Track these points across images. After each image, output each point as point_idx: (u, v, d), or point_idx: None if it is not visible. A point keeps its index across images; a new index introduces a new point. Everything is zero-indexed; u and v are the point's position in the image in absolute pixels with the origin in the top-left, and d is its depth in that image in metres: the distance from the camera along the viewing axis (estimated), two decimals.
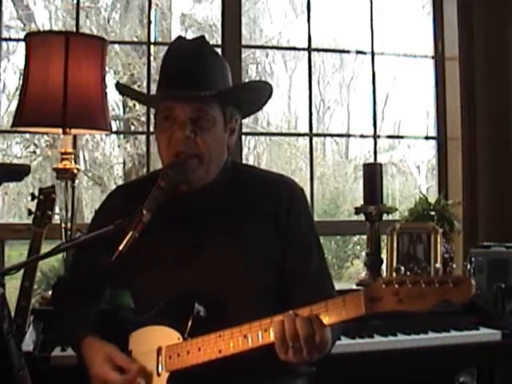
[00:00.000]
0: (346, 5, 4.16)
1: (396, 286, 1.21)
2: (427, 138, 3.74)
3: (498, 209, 3.33)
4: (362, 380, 2.27)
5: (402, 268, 1.22)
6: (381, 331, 2.33)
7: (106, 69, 2.56)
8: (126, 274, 1.65)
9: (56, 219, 2.47)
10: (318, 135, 4.89)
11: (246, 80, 4.00)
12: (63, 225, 2.49)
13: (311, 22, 3.39)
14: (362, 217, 2.87)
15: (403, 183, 5.57)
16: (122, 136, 5.30)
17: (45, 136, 4.56)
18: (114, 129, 4.45)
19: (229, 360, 1.40)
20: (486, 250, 2.84)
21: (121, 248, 1.46)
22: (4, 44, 3.47)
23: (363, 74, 3.89)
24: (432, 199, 3.07)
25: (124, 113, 5.04)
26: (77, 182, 2.63)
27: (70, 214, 2.49)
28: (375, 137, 3.54)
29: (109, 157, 5.39)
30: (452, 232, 2.99)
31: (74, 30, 3.18)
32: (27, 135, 4.75)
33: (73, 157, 2.53)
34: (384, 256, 2.84)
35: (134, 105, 4.87)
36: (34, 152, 5.00)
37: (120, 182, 5.11)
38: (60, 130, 2.47)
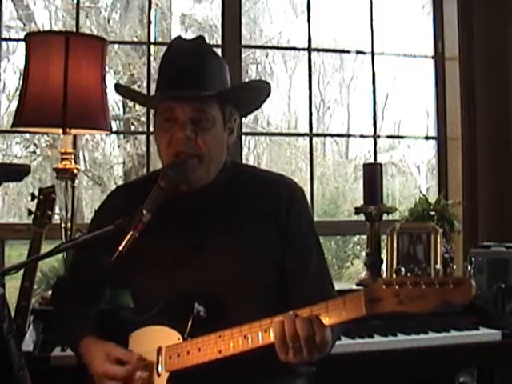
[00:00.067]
0: (346, 5, 4.16)
1: (396, 286, 1.21)
2: (427, 137, 3.74)
3: (498, 209, 3.33)
4: (362, 380, 2.27)
5: (403, 269, 1.22)
6: (381, 331, 2.33)
7: (106, 69, 2.56)
8: (126, 274, 1.65)
9: (56, 219, 2.47)
10: (317, 135, 4.89)
11: (246, 80, 4.00)
12: (63, 225, 2.49)
13: (311, 22, 3.39)
14: (362, 217, 2.87)
15: (403, 183, 5.57)
16: (121, 136, 5.30)
17: (45, 136, 4.56)
18: (114, 129, 4.45)
19: (229, 360, 1.40)
20: (486, 250, 2.84)
21: (121, 248, 1.46)
22: (4, 44, 3.47)
23: (363, 73, 3.89)
24: (432, 199, 3.07)
25: (124, 113, 5.04)
26: (77, 182, 2.63)
27: (70, 214, 2.49)
28: (375, 137, 3.54)
29: (109, 157, 5.39)
30: (452, 232, 2.99)
31: (74, 29, 3.18)
32: (27, 135, 4.75)
33: (73, 157, 2.53)
34: (384, 256, 2.84)
35: (134, 105, 4.86)
36: (34, 152, 5.00)
37: (120, 182, 5.11)
38: (60, 130, 2.47)
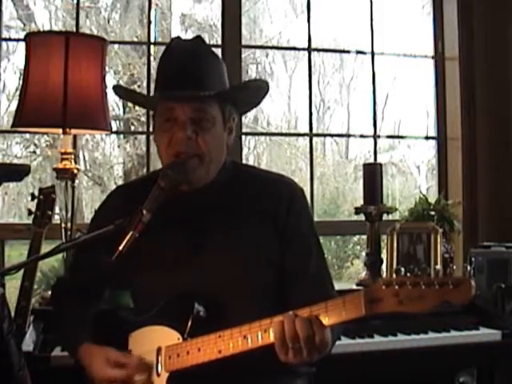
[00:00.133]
0: (346, 5, 4.16)
1: (396, 287, 1.21)
2: (427, 137, 3.74)
3: (497, 209, 3.33)
4: (362, 380, 2.27)
5: (402, 269, 1.22)
6: (381, 331, 2.33)
7: (106, 69, 2.56)
8: (125, 274, 1.65)
9: (56, 219, 2.47)
10: (318, 135, 4.89)
11: (246, 80, 3.99)
12: (63, 225, 2.49)
13: (311, 22, 3.39)
14: (362, 217, 2.87)
15: (403, 183, 5.57)
16: (121, 136, 5.30)
17: (45, 136, 4.56)
18: (114, 129, 4.45)
19: (228, 360, 1.40)
20: (486, 250, 2.84)
21: (121, 248, 1.46)
22: (4, 44, 3.47)
23: (363, 74, 3.89)
24: (432, 199, 3.07)
25: (124, 113, 5.04)
26: (77, 182, 2.63)
27: (70, 214, 2.49)
28: (375, 137, 3.54)
29: (109, 157, 5.39)
30: (452, 232, 2.99)
31: (74, 29, 3.18)
32: (27, 135, 4.75)
33: (73, 157, 2.53)
34: (384, 256, 2.84)
35: (134, 105, 4.86)
36: (34, 152, 5.00)
37: (120, 182, 5.10)
38: (60, 130, 2.47)
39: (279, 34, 4.78)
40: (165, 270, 1.60)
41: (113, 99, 4.69)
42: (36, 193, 2.37)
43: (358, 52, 3.71)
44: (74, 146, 2.78)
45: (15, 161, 4.75)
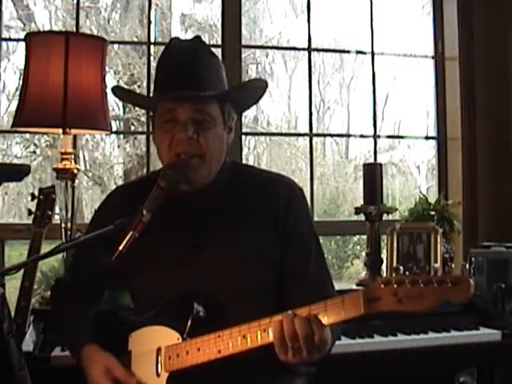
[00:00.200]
0: (346, 5, 4.16)
1: (395, 285, 1.21)
2: (427, 137, 3.74)
3: (497, 209, 3.33)
4: (362, 380, 2.27)
5: (401, 268, 1.23)
6: (381, 331, 2.33)
7: (106, 69, 2.56)
8: (125, 274, 1.65)
9: (56, 219, 2.47)
10: (317, 135, 4.89)
11: (246, 80, 4.00)
12: (63, 225, 2.49)
13: (311, 22, 3.39)
14: (362, 217, 2.87)
15: (403, 183, 5.57)
16: (121, 136, 5.30)
17: (45, 136, 4.56)
18: (114, 129, 4.45)
19: (228, 360, 1.40)
20: (486, 250, 2.84)
21: (121, 248, 1.46)
22: (4, 44, 3.47)
23: (363, 74, 3.89)
24: (432, 199, 3.07)
25: (124, 113, 5.04)
26: (77, 182, 2.63)
27: (70, 214, 2.50)
28: (375, 137, 3.54)
29: (109, 157, 5.39)
30: (452, 232, 2.99)
31: (74, 29, 3.18)
32: (27, 135, 4.75)
33: (73, 157, 2.53)
34: (384, 256, 2.84)
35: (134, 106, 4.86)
36: (34, 152, 5.00)
37: (120, 182, 5.11)
38: (60, 130, 2.47)
39: (279, 34, 4.78)
40: (165, 270, 1.60)
41: (113, 99, 4.68)
42: (36, 193, 2.37)
43: (358, 52, 3.71)
44: (74, 146, 2.78)
45: (15, 161, 4.75)
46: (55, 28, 4.81)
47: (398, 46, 3.75)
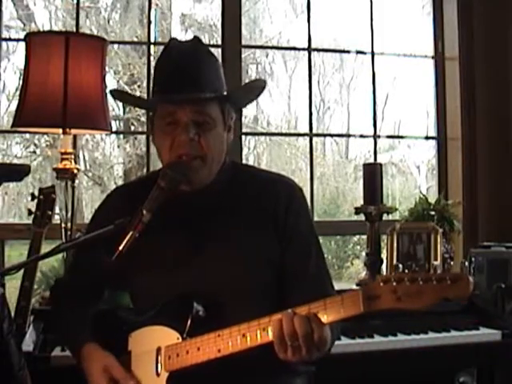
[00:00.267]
0: (346, 5, 4.16)
1: (394, 283, 1.21)
2: (427, 137, 3.74)
3: (497, 209, 3.33)
4: (362, 380, 2.27)
5: (400, 266, 1.23)
6: (381, 331, 2.33)
7: (106, 69, 2.56)
8: (125, 273, 1.65)
9: (56, 219, 2.47)
10: (317, 135, 4.89)
11: (246, 80, 4.00)
12: (63, 225, 2.49)
13: (311, 22, 3.39)
14: (362, 217, 2.87)
15: (403, 183, 5.57)
16: (121, 136, 5.30)
17: (45, 136, 4.56)
18: (114, 129, 4.45)
19: (228, 359, 1.40)
20: (486, 250, 2.84)
21: (121, 248, 1.46)
22: (4, 44, 3.47)
23: (363, 74, 3.89)
24: (432, 199, 3.07)
25: (124, 113, 5.04)
26: (77, 182, 2.63)
27: (70, 214, 2.50)
28: (375, 137, 3.54)
29: (109, 157, 5.39)
30: (452, 232, 2.99)
31: (74, 29, 3.18)
32: (27, 135, 4.75)
33: (73, 157, 2.53)
34: (384, 256, 2.84)
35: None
36: (34, 152, 5.00)
37: (120, 182, 5.11)
38: (60, 130, 2.47)
39: (279, 34, 4.78)
40: (165, 270, 1.61)
41: (113, 99, 4.69)
42: (36, 193, 2.37)
43: (358, 52, 3.71)
44: (74, 146, 2.78)
45: (15, 161, 4.75)
46: (55, 28, 4.81)
47: (398, 45, 3.75)
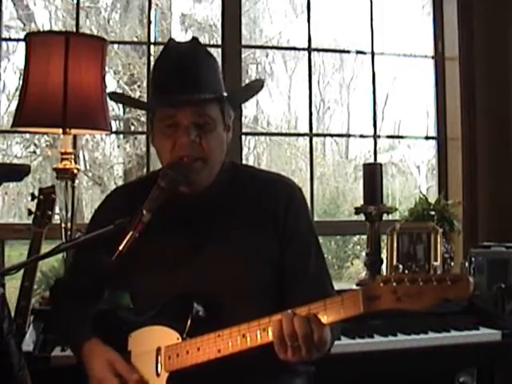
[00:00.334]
0: (346, 5, 4.16)
1: (394, 284, 1.21)
2: (427, 137, 3.74)
3: (497, 209, 3.33)
4: (362, 380, 2.27)
5: (400, 266, 1.22)
6: (381, 331, 2.33)
7: (106, 69, 2.56)
8: (125, 273, 1.65)
9: (56, 219, 2.47)
10: (317, 135, 4.89)
11: (246, 80, 4.00)
12: (63, 225, 2.49)
13: (311, 22, 3.39)
14: (362, 217, 2.87)
15: (403, 183, 5.57)
16: (121, 136, 5.30)
17: (45, 136, 4.56)
18: (114, 129, 4.45)
19: (228, 359, 1.40)
20: (486, 250, 2.84)
21: (121, 248, 1.46)
22: (4, 44, 3.47)
23: (363, 74, 3.89)
24: (432, 199, 3.07)
25: (124, 113, 5.04)
26: (77, 182, 2.63)
27: (70, 214, 2.50)
28: (375, 137, 3.54)
29: (109, 157, 5.39)
30: (452, 232, 2.99)
31: (74, 29, 3.19)
32: (27, 135, 4.75)
33: (73, 157, 2.53)
34: (384, 256, 2.84)
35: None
36: (34, 152, 4.99)
37: (120, 182, 5.11)
38: (60, 130, 2.47)
39: (279, 34, 4.78)
40: (165, 270, 1.61)
41: None
42: (36, 193, 2.37)
43: (358, 52, 3.71)
44: (74, 146, 2.78)
45: (15, 161, 4.74)
46: (55, 28, 4.81)
47: (398, 45, 3.75)
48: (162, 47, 1.68)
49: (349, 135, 5.60)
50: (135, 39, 5.08)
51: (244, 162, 3.79)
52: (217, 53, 3.27)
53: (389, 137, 4.23)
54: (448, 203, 3.05)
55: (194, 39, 1.66)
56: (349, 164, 5.75)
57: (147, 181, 1.63)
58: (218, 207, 1.64)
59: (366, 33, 3.49)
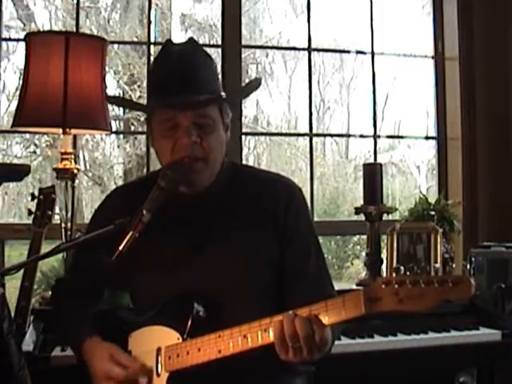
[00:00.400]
0: (346, 5, 4.16)
1: (396, 285, 1.21)
2: (427, 138, 3.74)
3: (497, 209, 3.33)
4: (362, 380, 2.27)
5: (402, 268, 1.22)
6: (381, 331, 2.33)
7: (106, 69, 2.56)
8: (125, 273, 1.65)
9: (56, 219, 2.47)
10: (317, 135, 4.89)
11: (246, 80, 4.00)
12: (63, 225, 2.49)
13: (311, 22, 3.39)
14: (362, 217, 2.87)
15: (403, 183, 5.57)
16: (121, 136, 5.30)
17: (45, 136, 4.56)
18: (114, 129, 4.45)
19: (228, 360, 1.40)
20: (486, 250, 2.84)
21: (121, 248, 1.46)
22: (4, 44, 3.47)
23: (363, 74, 3.89)
24: (432, 199, 3.07)
25: (124, 113, 5.04)
26: (77, 182, 2.63)
27: (70, 214, 2.50)
28: (375, 137, 3.54)
29: (109, 157, 5.39)
30: (452, 232, 2.99)
31: (74, 29, 3.18)
32: (27, 135, 4.75)
33: (73, 157, 2.53)
34: (384, 256, 2.84)
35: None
36: (34, 152, 4.99)
37: (120, 182, 5.11)
38: (60, 130, 2.47)
39: (279, 34, 4.78)
40: (165, 270, 1.61)
41: None
42: (36, 193, 2.37)
43: (358, 52, 3.71)
44: (74, 146, 2.78)
45: (15, 161, 4.74)
46: (55, 28, 4.81)
47: (398, 45, 3.75)
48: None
49: (349, 135, 5.60)
50: (135, 39, 5.08)
51: (244, 162, 3.79)
52: (217, 53, 3.27)
53: (389, 137, 4.23)
54: (448, 203, 3.05)
55: (191, 40, 1.65)
56: (349, 164, 5.75)
57: (147, 181, 1.63)
58: (217, 207, 1.64)
59: (365, 33, 3.49)
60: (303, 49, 3.48)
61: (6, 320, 1.64)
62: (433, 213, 2.95)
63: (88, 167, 5.14)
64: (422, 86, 3.82)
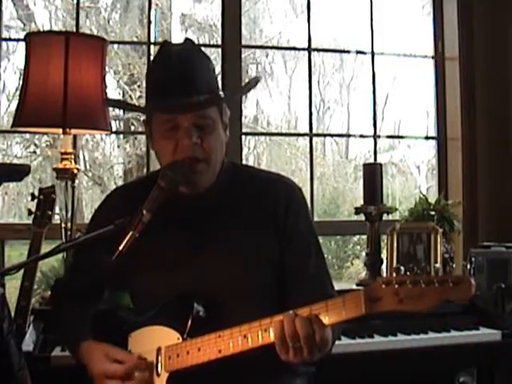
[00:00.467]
0: (346, 5, 4.16)
1: (396, 285, 1.21)
2: (427, 137, 3.74)
3: (497, 209, 3.33)
4: (362, 380, 2.27)
5: (402, 268, 1.22)
6: (381, 331, 2.33)
7: (106, 69, 2.56)
8: (125, 274, 1.65)
9: (56, 219, 2.47)
10: (318, 135, 4.89)
11: (246, 80, 3.99)
12: (63, 225, 2.49)
13: (311, 22, 3.39)
14: (362, 217, 2.87)
15: (403, 183, 5.57)
16: (121, 136, 5.30)
17: (45, 136, 4.56)
18: (114, 129, 4.44)
19: (228, 360, 1.40)
20: (486, 250, 2.84)
21: (121, 248, 1.46)
22: (4, 44, 3.47)
23: (363, 74, 3.89)
24: (432, 199, 3.07)
25: (124, 113, 5.04)
26: (77, 182, 2.63)
27: (70, 214, 2.50)
28: (375, 137, 3.54)
29: (109, 157, 5.39)
30: (452, 232, 2.99)
31: (74, 29, 3.18)
32: (27, 135, 4.75)
33: (73, 157, 2.53)
34: (384, 256, 2.84)
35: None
36: (34, 152, 4.99)
37: (120, 182, 5.11)
38: (60, 130, 2.47)
39: (279, 34, 4.78)
40: (165, 270, 1.61)
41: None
42: (36, 193, 2.37)
43: (358, 52, 3.71)
44: (74, 146, 2.78)
45: (15, 161, 4.74)
46: (55, 28, 4.81)
47: (398, 46, 3.75)
48: None
49: (349, 135, 5.61)
50: (135, 39, 5.08)
51: (244, 162, 3.79)
52: (217, 53, 3.28)
53: (389, 137, 4.23)
54: (448, 203, 3.05)
55: (188, 40, 1.65)
56: (349, 164, 5.75)
57: (147, 181, 1.63)
58: (217, 207, 1.64)
59: (365, 33, 3.49)
60: (303, 49, 3.48)
61: (5, 320, 1.64)
62: (433, 213, 2.94)
63: (88, 167, 5.14)
64: (421, 86, 3.83)
